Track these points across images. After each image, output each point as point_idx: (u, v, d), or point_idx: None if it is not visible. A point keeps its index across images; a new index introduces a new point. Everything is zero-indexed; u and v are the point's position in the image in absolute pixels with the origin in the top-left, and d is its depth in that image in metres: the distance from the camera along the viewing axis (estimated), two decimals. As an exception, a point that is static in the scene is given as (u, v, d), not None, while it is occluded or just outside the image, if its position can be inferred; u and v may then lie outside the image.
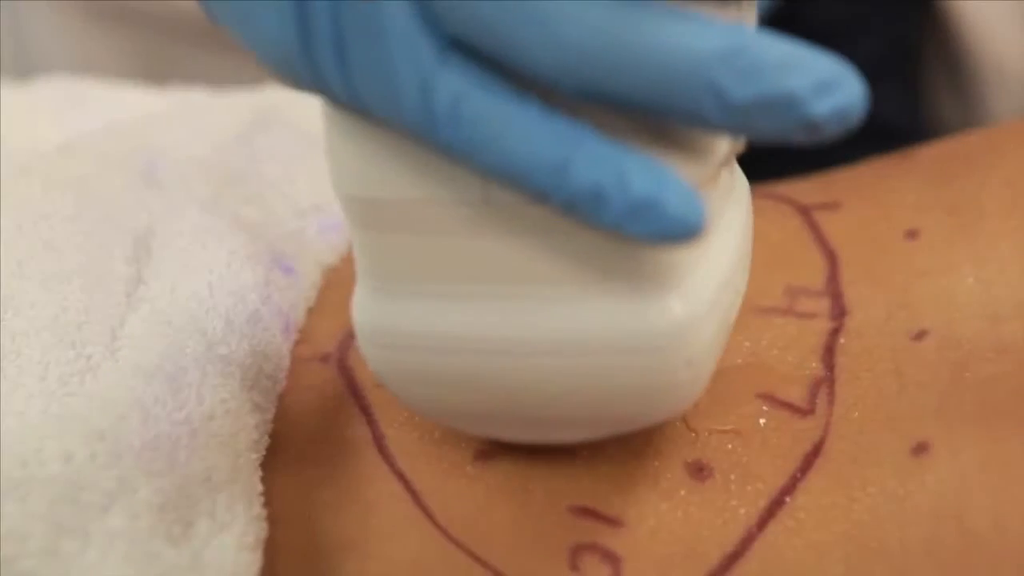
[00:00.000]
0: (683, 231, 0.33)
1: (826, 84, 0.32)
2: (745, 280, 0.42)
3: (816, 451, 0.42)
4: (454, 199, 0.37)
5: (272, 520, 0.42)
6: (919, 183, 0.50)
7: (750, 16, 0.37)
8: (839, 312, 0.46)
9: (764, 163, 0.51)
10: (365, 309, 0.40)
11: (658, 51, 0.32)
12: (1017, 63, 0.65)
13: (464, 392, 0.40)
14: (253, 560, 0.40)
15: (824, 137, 0.33)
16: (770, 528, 0.40)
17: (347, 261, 0.52)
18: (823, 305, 0.46)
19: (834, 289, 0.47)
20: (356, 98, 0.35)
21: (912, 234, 0.48)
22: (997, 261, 0.46)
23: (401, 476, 0.43)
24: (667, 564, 0.40)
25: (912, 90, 0.67)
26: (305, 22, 0.34)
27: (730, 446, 0.42)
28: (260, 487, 0.42)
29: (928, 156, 0.52)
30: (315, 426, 0.45)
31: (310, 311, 0.50)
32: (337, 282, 0.51)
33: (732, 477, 0.42)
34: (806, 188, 0.51)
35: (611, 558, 0.41)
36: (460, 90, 0.34)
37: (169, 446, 0.40)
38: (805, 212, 0.49)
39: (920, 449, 0.41)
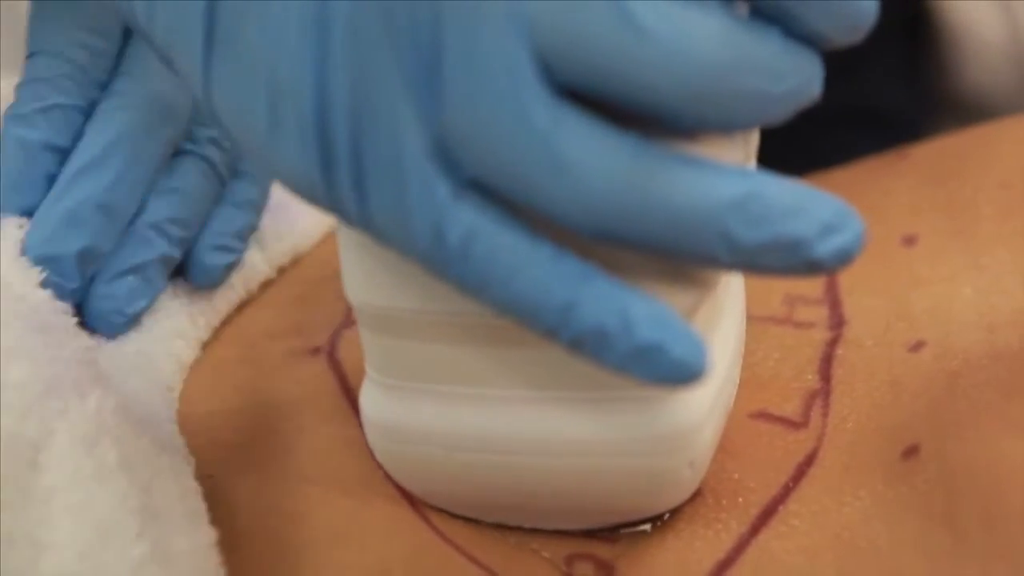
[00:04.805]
0: (686, 375, 0.34)
1: (830, 227, 0.33)
2: (739, 369, 0.43)
3: (809, 461, 0.42)
4: (463, 313, 0.37)
5: (264, 512, 0.42)
6: (915, 184, 0.50)
7: (753, 147, 0.38)
8: (837, 322, 0.46)
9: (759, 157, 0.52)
10: (373, 403, 0.41)
11: (674, 201, 0.33)
12: (996, 34, 0.65)
13: (469, 486, 0.41)
14: None
15: (825, 273, 0.34)
16: (762, 535, 0.41)
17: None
18: (821, 314, 0.46)
19: (832, 297, 0.47)
20: (371, 227, 0.35)
21: (910, 240, 0.48)
22: (994, 269, 0.46)
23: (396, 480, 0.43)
24: (660, 571, 0.41)
25: (907, 74, 0.67)
26: (326, 155, 0.35)
27: (722, 464, 0.42)
28: None
29: (923, 155, 0.52)
30: (305, 419, 0.45)
31: (304, 302, 0.50)
32: (332, 275, 0.51)
33: (724, 492, 0.42)
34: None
35: (604, 566, 0.41)
36: (472, 228, 0.34)
37: None
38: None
39: (910, 452, 0.41)
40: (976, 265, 0.46)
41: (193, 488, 0.41)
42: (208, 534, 0.40)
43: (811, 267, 0.34)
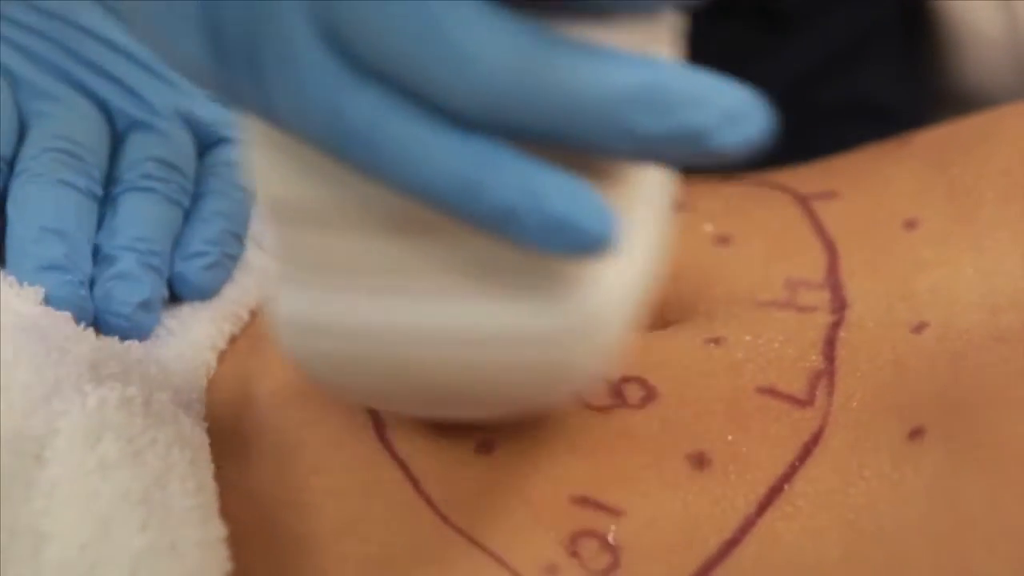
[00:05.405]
0: (598, 247, 0.34)
1: (733, 117, 0.33)
2: (656, 264, 0.42)
3: (815, 440, 0.42)
4: (371, 201, 0.37)
5: (270, 503, 0.42)
6: (917, 170, 0.50)
7: (666, 35, 0.38)
8: (839, 305, 0.46)
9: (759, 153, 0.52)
10: (287, 302, 0.40)
11: (573, 90, 0.33)
12: (996, 31, 0.65)
13: (384, 379, 0.40)
14: None
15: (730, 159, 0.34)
16: (768, 515, 0.41)
17: None
18: (823, 298, 0.47)
19: (834, 281, 0.47)
20: (272, 116, 0.35)
21: (911, 224, 0.48)
22: (996, 251, 0.46)
23: (402, 464, 0.43)
24: (665, 550, 0.41)
25: (905, 65, 0.67)
26: (219, 44, 0.35)
27: (730, 438, 0.43)
28: None
29: (925, 142, 0.52)
30: (313, 411, 0.45)
31: None
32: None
33: (731, 467, 0.42)
34: (803, 176, 0.51)
35: (610, 545, 0.41)
36: (373, 113, 0.34)
37: None
38: (803, 201, 0.49)
39: (916, 434, 0.41)
40: (978, 247, 0.46)
41: (210, 485, 0.42)
42: (218, 528, 0.40)
43: (715, 156, 0.33)
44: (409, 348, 0.39)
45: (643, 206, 0.40)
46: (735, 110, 0.33)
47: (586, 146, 0.34)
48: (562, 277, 0.37)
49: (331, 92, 0.34)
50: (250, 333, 0.50)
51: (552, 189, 0.33)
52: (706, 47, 0.62)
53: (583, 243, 0.34)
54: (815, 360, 0.44)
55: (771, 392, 0.44)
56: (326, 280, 0.39)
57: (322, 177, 0.37)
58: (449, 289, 0.38)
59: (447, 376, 0.39)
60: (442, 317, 0.38)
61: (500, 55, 0.33)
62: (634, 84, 0.33)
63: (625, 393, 0.44)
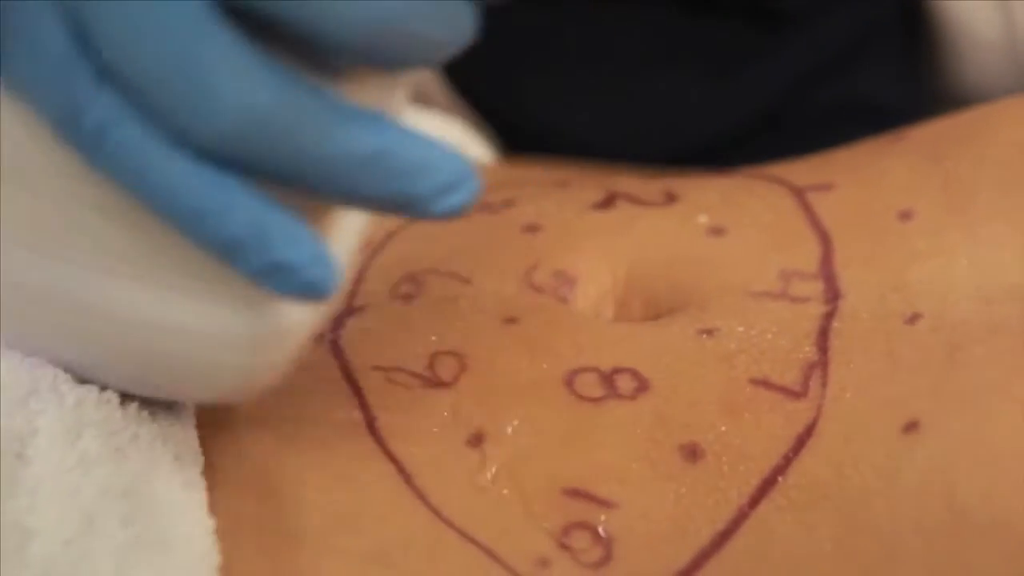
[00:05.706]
0: (315, 294, 0.36)
1: (447, 187, 0.36)
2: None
3: (809, 432, 0.42)
4: (87, 180, 0.37)
5: (263, 498, 0.42)
6: (912, 162, 0.50)
7: (401, 89, 0.39)
8: (833, 295, 0.46)
9: (757, 144, 0.52)
10: None
11: (307, 146, 0.34)
12: (993, 32, 0.65)
13: (72, 347, 0.41)
14: None
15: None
16: (762, 506, 0.41)
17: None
18: (817, 288, 0.46)
19: (828, 272, 0.47)
20: (10, 89, 0.36)
21: (905, 215, 0.48)
22: (991, 242, 0.46)
23: (393, 458, 0.43)
24: (658, 542, 0.41)
25: (904, 65, 0.68)
26: None
27: (724, 429, 0.42)
28: None
29: (921, 136, 0.52)
30: (307, 407, 0.45)
31: None
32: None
33: (725, 459, 0.42)
34: (799, 169, 0.51)
35: (602, 538, 0.41)
36: (109, 119, 0.34)
37: None
38: (798, 193, 0.49)
39: (910, 427, 0.41)
40: (973, 238, 0.46)
41: (198, 480, 0.42)
42: (206, 522, 0.40)
43: (428, 217, 0.36)
44: (99, 325, 0.39)
45: (349, 219, 0.41)
46: (450, 181, 0.36)
47: (309, 194, 0.35)
48: (254, 292, 0.38)
49: (73, 89, 0.34)
50: None
51: (279, 234, 0.35)
52: (706, 47, 0.62)
53: (302, 289, 0.35)
54: (808, 351, 0.44)
55: (764, 383, 0.44)
56: (26, 241, 0.39)
57: (40, 145, 0.37)
58: (150, 280, 0.38)
59: (120, 357, 0.40)
60: (129, 301, 0.38)
61: (245, 95, 0.34)
62: (367, 149, 0.35)
63: (617, 384, 0.44)
